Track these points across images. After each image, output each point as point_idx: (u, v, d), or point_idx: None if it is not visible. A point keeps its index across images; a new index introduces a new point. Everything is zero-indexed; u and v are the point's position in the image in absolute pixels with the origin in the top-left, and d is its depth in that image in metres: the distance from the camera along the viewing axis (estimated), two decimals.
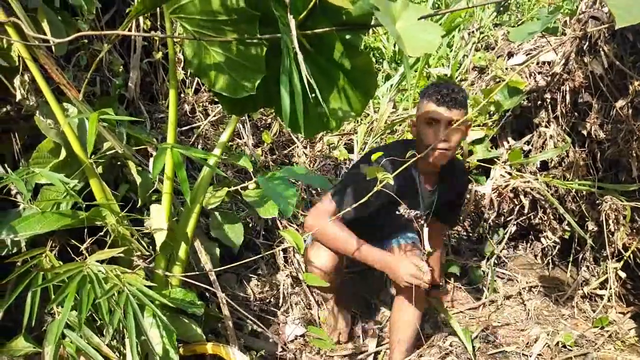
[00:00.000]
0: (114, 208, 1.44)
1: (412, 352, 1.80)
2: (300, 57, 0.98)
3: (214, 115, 2.55)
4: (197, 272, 1.63)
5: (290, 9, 0.96)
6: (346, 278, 1.98)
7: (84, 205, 1.38)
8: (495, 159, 2.45)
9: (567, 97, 2.15)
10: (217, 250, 1.92)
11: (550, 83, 2.24)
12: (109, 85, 2.10)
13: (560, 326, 2.09)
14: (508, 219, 2.45)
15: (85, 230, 1.41)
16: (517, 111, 2.40)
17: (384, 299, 2.22)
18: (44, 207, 1.42)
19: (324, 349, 1.93)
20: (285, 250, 2.28)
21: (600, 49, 1.97)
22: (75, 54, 1.94)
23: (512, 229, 2.46)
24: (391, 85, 3.02)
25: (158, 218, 1.43)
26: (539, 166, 2.36)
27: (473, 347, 1.94)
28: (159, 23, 2.35)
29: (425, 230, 1.74)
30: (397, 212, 1.65)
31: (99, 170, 1.57)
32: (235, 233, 1.99)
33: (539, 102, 2.32)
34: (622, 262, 2.12)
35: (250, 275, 2.22)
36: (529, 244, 2.55)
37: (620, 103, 1.95)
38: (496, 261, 2.44)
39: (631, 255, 2.08)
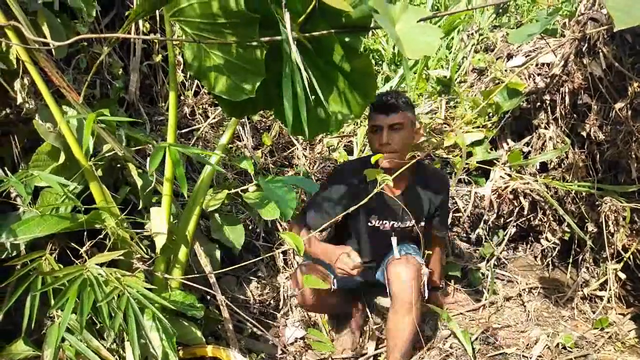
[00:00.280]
0: (114, 211, 1.44)
1: (410, 357, 1.80)
2: (299, 59, 0.98)
3: (214, 118, 2.55)
4: (197, 275, 1.63)
5: (286, 10, 0.96)
6: (340, 298, 1.98)
7: (83, 208, 1.38)
8: (495, 161, 2.45)
9: (567, 98, 2.16)
10: (218, 253, 1.92)
11: (549, 84, 2.24)
12: (109, 88, 2.10)
13: (560, 327, 2.09)
14: (508, 220, 2.45)
15: (85, 233, 1.41)
16: (517, 113, 2.41)
17: (382, 301, 2.22)
18: (44, 210, 1.42)
19: (323, 352, 1.93)
20: (285, 253, 2.28)
21: (600, 51, 1.97)
22: (75, 57, 1.94)
23: (511, 230, 2.46)
24: (391, 87, 3.02)
25: (158, 220, 1.43)
26: (538, 167, 2.36)
27: (473, 349, 1.94)
28: (158, 26, 2.36)
29: (394, 239, 1.80)
30: (369, 224, 1.82)
31: (99, 172, 1.57)
32: (236, 234, 1.99)
33: (538, 104, 2.32)
34: (621, 264, 2.12)
35: (251, 277, 2.22)
36: (528, 246, 2.55)
37: (619, 104, 1.95)
38: (496, 263, 2.44)
39: (631, 257, 2.08)
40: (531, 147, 2.37)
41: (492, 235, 2.50)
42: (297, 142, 2.82)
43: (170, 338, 1.30)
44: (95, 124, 1.44)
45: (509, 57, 2.65)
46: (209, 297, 1.90)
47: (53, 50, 1.50)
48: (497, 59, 2.71)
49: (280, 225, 2.41)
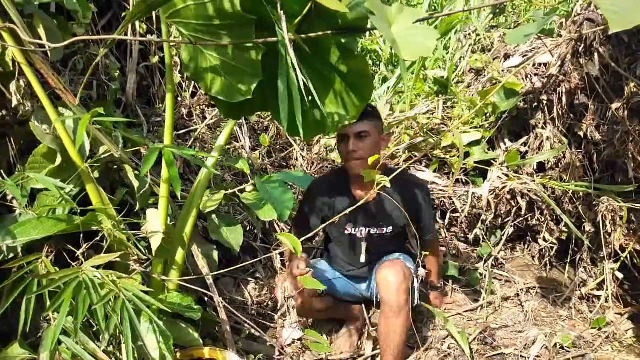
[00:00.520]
0: (111, 212, 1.43)
1: (403, 359, 1.80)
2: (295, 60, 0.98)
3: (211, 119, 2.55)
4: (195, 276, 1.63)
5: (282, 12, 0.96)
6: (329, 305, 2.00)
7: (80, 211, 1.37)
8: (492, 161, 2.45)
9: (564, 98, 2.16)
10: (215, 254, 1.91)
11: (546, 85, 2.24)
12: (106, 89, 2.09)
13: (558, 327, 2.09)
14: (505, 220, 2.46)
15: (82, 235, 1.41)
16: (514, 113, 2.41)
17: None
18: (40, 213, 1.42)
19: (321, 353, 1.93)
20: (282, 254, 2.28)
21: (596, 51, 1.97)
22: (72, 58, 1.94)
23: (509, 230, 2.46)
24: (388, 88, 3.03)
25: (154, 222, 1.42)
26: (535, 168, 2.36)
27: (471, 349, 1.94)
28: (155, 27, 2.35)
29: (364, 244, 1.88)
30: (346, 232, 1.89)
31: (95, 174, 1.56)
32: (234, 235, 1.98)
33: (536, 104, 2.32)
34: (619, 263, 2.12)
35: (248, 278, 2.22)
36: (526, 246, 2.56)
37: (616, 104, 1.95)
38: (494, 263, 2.44)
39: (628, 256, 2.08)
40: (528, 147, 2.37)
41: (489, 235, 2.50)
42: (295, 143, 2.82)
43: (167, 340, 1.30)
44: (91, 125, 1.44)
45: (506, 57, 2.66)
46: (206, 299, 1.89)
47: (49, 52, 1.50)
48: (494, 59, 2.71)
49: (278, 226, 2.41)
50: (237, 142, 2.66)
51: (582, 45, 2.03)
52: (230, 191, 1.95)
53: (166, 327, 1.29)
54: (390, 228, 1.88)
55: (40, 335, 1.32)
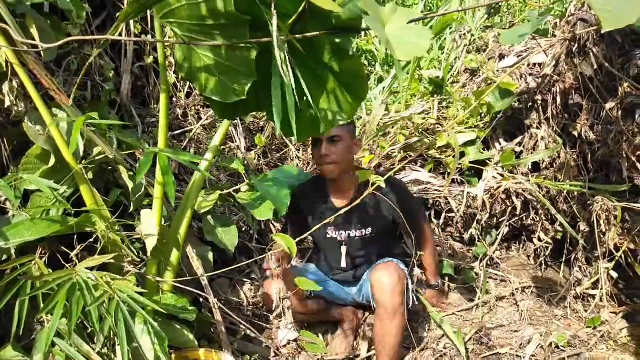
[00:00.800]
0: (104, 214, 1.43)
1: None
2: (289, 61, 0.98)
3: (206, 119, 2.54)
4: (190, 278, 1.63)
5: (274, 11, 0.96)
6: (320, 307, 2.03)
7: (73, 212, 1.37)
8: (487, 161, 2.45)
9: (558, 98, 2.17)
10: (210, 255, 1.91)
11: (541, 85, 2.25)
12: (100, 89, 2.08)
13: (553, 327, 2.10)
14: (500, 220, 2.46)
15: (76, 236, 1.40)
16: (509, 113, 2.41)
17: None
18: (34, 214, 1.41)
19: (316, 354, 1.92)
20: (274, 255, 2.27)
21: (590, 51, 1.98)
22: (65, 59, 1.93)
23: (504, 230, 2.47)
24: (383, 88, 3.03)
25: (149, 223, 1.42)
26: (530, 167, 2.37)
27: (466, 349, 1.94)
28: (150, 27, 2.34)
29: (344, 248, 1.92)
30: (327, 236, 1.93)
31: (89, 175, 1.56)
32: (229, 236, 1.98)
33: (530, 104, 2.33)
34: (613, 262, 2.13)
35: (244, 279, 2.22)
36: (521, 245, 2.56)
37: (610, 104, 1.96)
38: (489, 262, 2.45)
39: (622, 256, 2.09)
40: (523, 147, 2.38)
41: (485, 235, 2.51)
42: (291, 143, 2.82)
43: (162, 342, 1.29)
44: (85, 126, 1.43)
45: (501, 57, 2.66)
46: (201, 300, 1.89)
47: (42, 52, 1.49)
48: (489, 60, 2.72)
49: (274, 227, 2.41)
50: (233, 142, 2.65)
51: (576, 46, 2.03)
52: (225, 191, 1.95)
53: (161, 328, 1.28)
54: (370, 229, 1.90)
55: (33, 337, 1.31)
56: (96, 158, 1.58)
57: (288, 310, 1.57)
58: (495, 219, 2.46)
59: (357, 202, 1.50)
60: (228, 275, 2.18)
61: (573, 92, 2.12)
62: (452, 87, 2.80)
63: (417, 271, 1.87)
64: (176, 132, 2.48)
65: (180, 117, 2.54)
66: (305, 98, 1.12)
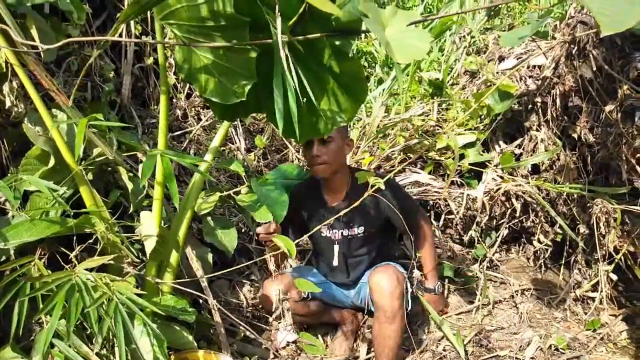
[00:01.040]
0: (104, 215, 1.43)
1: None
2: (291, 62, 0.98)
3: (206, 120, 2.54)
4: (189, 279, 1.62)
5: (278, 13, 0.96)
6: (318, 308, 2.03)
7: (73, 213, 1.36)
8: (487, 163, 2.45)
9: (557, 100, 2.17)
10: (210, 256, 1.91)
11: (540, 87, 2.25)
12: (100, 90, 2.08)
13: (552, 329, 2.10)
14: (500, 222, 2.46)
15: (75, 237, 1.40)
16: (508, 115, 2.42)
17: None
18: (33, 215, 1.41)
19: (316, 355, 1.92)
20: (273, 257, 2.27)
21: (589, 53, 1.98)
22: (65, 60, 1.93)
23: (504, 232, 2.47)
24: (383, 90, 3.03)
25: (148, 225, 1.42)
26: (530, 169, 2.37)
27: (466, 351, 1.94)
28: (150, 28, 2.35)
29: (337, 247, 1.92)
30: (322, 235, 1.94)
31: (89, 176, 1.56)
32: (229, 238, 1.98)
33: (530, 106, 2.33)
34: (613, 265, 2.13)
35: (244, 281, 2.22)
36: (521, 247, 2.56)
37: (609, 107, 1.96)
38: (488, 264, 2.44)
39: (622, 258, 2.09)
40: (523, 149, 2.38)
41: (484, 237, 2.51)
42: (290, 144, 2.82)
43: (161, 343, 1.29)
44: (85, 127, 1.43)
45: (501, 59, 2.66)
46: (200, 301, 1.89)
47: (42, 53, 1.49)
48: (488, 62, 2.72)
49: None
50: (233, 143, 2.65)
51: (576, 48, 2.04)
52: (225, 193, 1.95)
53: (160, 329, 1.28)
54: (362, 228, 1.90)
55: (32, 338, 1.31)
56: (96, 159, 1.58)
57: (287, 311, 1.56)
58: (495, 221, 2.46)
59: (357, 203, 1.50)
60: (227, 277, 2.17)
61: (573, 95, 2.12)
62: (452, 89, 2.80)
63: (416, 273, 1.86)
64: (176, 133, 2.48)
65: (180, 118, 2.54)
66: (305, 99, 1.13)
